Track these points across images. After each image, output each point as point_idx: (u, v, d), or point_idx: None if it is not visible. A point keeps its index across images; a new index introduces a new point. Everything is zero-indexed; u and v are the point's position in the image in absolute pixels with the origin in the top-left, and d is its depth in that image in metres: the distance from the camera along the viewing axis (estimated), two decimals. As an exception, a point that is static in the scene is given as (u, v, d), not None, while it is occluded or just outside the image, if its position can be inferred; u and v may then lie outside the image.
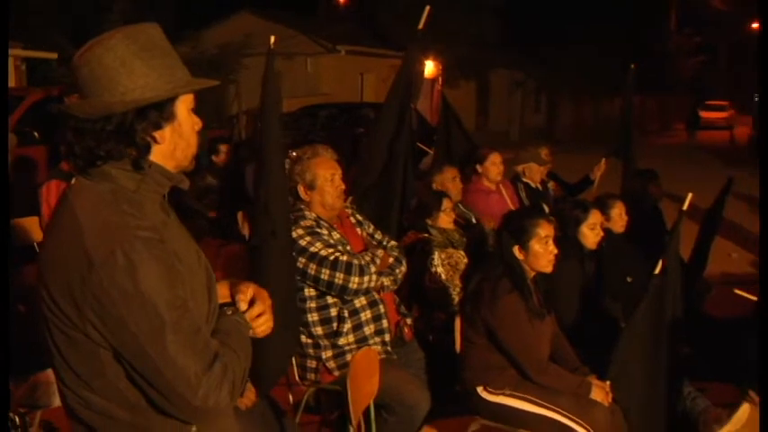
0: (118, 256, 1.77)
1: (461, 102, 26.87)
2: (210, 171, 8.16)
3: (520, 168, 7.15)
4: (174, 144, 1.97)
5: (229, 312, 2.08)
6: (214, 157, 8.38)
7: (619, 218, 5.31)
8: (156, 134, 1.92)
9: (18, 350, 2.97)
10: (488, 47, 27.49)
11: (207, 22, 26.10)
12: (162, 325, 1.79)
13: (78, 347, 1.87)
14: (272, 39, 3.86)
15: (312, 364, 3.97)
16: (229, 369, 1.89)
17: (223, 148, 8.45)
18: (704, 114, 44.14)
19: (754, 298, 5.36)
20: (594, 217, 4.73)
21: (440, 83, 24.02)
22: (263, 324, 2.11)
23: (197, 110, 2.03)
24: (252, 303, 2.11)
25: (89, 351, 1.86)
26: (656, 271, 3.86)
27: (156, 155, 1.94)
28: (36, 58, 17.22)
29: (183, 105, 1.97)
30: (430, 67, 23.78)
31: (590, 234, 4.71)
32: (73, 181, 1.96)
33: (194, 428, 1.98)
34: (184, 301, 1.86)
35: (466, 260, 5.29)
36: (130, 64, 1.86)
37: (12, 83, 16.81)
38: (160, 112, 1.90)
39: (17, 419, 4.03)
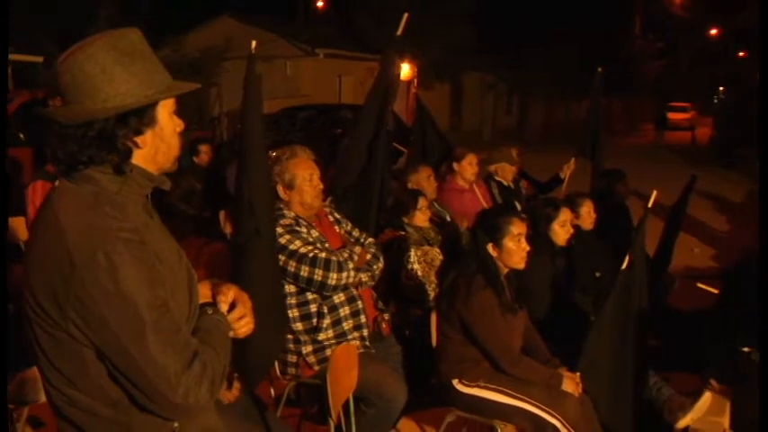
0: (99, 257, 1.76)
1: (436, 103, 26.90)
2: (192, 172, 8.09)
3: (492, 168, 7.19)
4: (156, 148, 1.95)
5: (210, 312, 2.06)
6: (195, 159, 8.32)
7: (588, 215, 5.34)
8: (138, 139, 1.90)
9: (6, 347, 2.95)
10: (462, 51, 27.55)
11: (189, 26, 26.02)
12: (142, 324, 1.78)
13: (62, 347, 1.85)
14: (254, 43, 3.85)
15: (293, 358, 3.95)
16: (209, 367, 1.88)
17: (204, 148, 8.39)
18: (675, 116, 44.59)
19: (716, 291, 5.42)
20: (565, 214, 4.76)
21: (415, 85, 24.00)
22: (244, 326, 2.11)
23: (179, 112, 2.01)
24: (233, 306, 2.11)
25: (72, 350, 1.84)
26: (623, 266, 3.88)
27: (138, 158, 1.93)
28: (22, 62, 17.06)
29: (164, 110, 1.95)
30: (406, 70, 23.75)
31: (560, 231, 4.74)
32: (56, 183, 1.94)
33: (176, 425, 1.96)
34: (165, 300, 1.84)
35: (441, 257, 5.29)
36: (111, 71, 1.84)
37: (0, 86, 16.68)
38: (140, 117, 1.89)
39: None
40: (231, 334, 2.07)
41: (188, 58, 23.63)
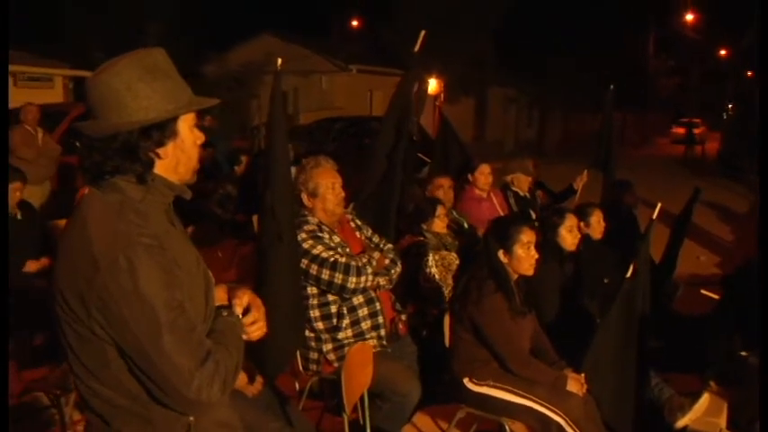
0: (121, 261, 1.77)
1: (461, 116, 26.84)
2: (230, 179, 8.15)
3: (509, 178, 7.15)
4: (177, 159, 1.96)
5: (225, 314, 2.05)
6: (236, 167, 8.38)
7: (597, 224, 5.27)
8: (160, 151, 1.92)
9: (54, 339, 2.98)
10: (485, 67, 27.51)
11: (232, 43, 26.25)
12: (159, 324, 1.78)
13: (86, 343, 1.86)
14: (279, 61, 3.82)
15: (314, 355, 3.94)
16: (221, 366, 1.88)
17: (244, 159, 8.46)
18: (678, 130, 44.36)
19: (717, 297, 5.35)
20: (570, 220, 4.72)
21: (441, 99, 23.97)
22: (256, 330, 2.10)
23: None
24: (247, 310, 2.09)
25: (96, 347, 1.85)
26: (628, 274, 3.83)
27: (160, 168, 1.94)
28: (79, 76, 17.29)
29: (185, 123, 1.96)
30: (433, 85, 23.76)
31: (567, 236, 4.69)
32: (86, 191, 1.96)
33: (191, 419, 1.96)
34: (181, 302, 1.84)
35: (458, 261, 5.26)
36: (135, 87, 1.86)
37: (61, 99, 16.97)
38: (162, 131, 1.90)
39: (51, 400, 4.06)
40: (244, 337, 2.06)
41: (231, 73, 23.84)
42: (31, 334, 5.05)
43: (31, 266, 5.62)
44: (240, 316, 2.07)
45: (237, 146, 11.70)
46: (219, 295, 2.11)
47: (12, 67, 16.94)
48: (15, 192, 6.15)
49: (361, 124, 18.00)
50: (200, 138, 2.01)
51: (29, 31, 20.04)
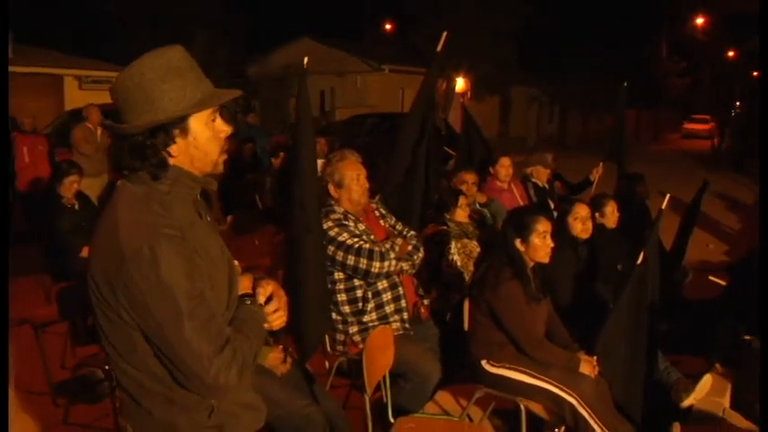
0: (145, 250, 1.72)
1: (486, 113, 26.66)
2: (268, 172, 8.14)
3: (528, 170, 7.07)
4: (191, 156, 1.88)
5: (248, 302, 1.99)
6: (274, 160, 8.37)
7: (611, 214, 5.17)
8: (171, 149, 1.85)
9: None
10: (509, 68, 27.27)
11: (273, 46, 26.33)
12: (180, 312, 1.74)
13: (115, 327, 1.82)
14: (306, 60, 3.71)
15: (341, 337, 3.89)
16: (239, 353, 1.82)
17: (281, 153, 8.43)
18: (690, 126, 43.79)
19: (724, 283, 5.24)
20: (579, 209, 4.62)
21: (468, 97, 23.77)
22: (277, 319, 2.03)
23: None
24: (270, 299, 2.03)
25: (123, 331, 1.82)
26: (638, 262, 3.72)
27: (183, 163, 1.88)
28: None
29: (198, 120, 1.86)
30: (460, 84, 23.60)
31: (576, 224, 4.59)
32: (118, 183, 1.91)
33: (213, 402, 1.92)
34: (201, 291, 1.79)
35: (479, 249, 5.16)
36: (147, 89, 1.80)
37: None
38: (167, 131, 1.82)
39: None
40: (266, 325, 2.00)
41: (273, 73, 23.91)
42: (85, 314, 5.07)
43: (86, 252, 5.64)
44: (263, 305, 2.01)
45: (277, 141, 11.69)
46: (245, 284, 2.05)
47: (77, 71, 17.24)
48: (73, 184, 6.20)
49: (392, 120, 17.92)
50: (223, 131, 1.92)
51: (92, 39, 20.44)
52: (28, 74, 15.69)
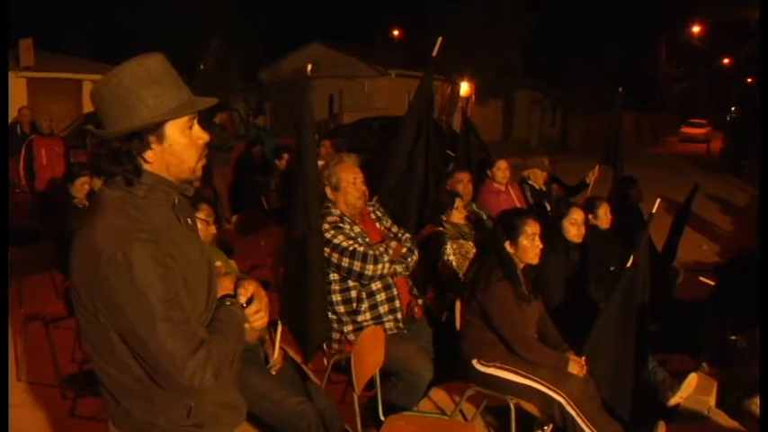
0: (119, 255, 1.68)
1: (491, 117, 26.60)
2: (274, 174, 8.11)
3: (526, 173, 6.97)
4: (166, 162, 1.83)
5: (228, 303, 1.95)
6: (277, 162, 8.34)
7: (604, 216, 5.09)
8: (146, 155, 1.80)
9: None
10: (513, 73, 27.18)
11: (285, 51, 26.32)
12: (153, 314, 1.70)
13: (94, 328, 1.80)
14: (309, 66, 3.68)
15: (336, 336, 3.84)
16: (214, 354, 1.78)
17: (285, 155, 8.40)
18: (687, 130, 43.58)
19: (713, 283, 5.19)
20: (574, 214, 4.54)
21: (472, 101, 23.70)
22: (259, 319, 1.99)
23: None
24: (251, 300, 1.99)
25: (102, 332, 1.79)
26: (628, 264, 3.67)
27: (158, 169, 1.83)
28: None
29: (174, 127, 1.81)
30: (465, 88, 23.53)
31: (570, 228, 4.52)
32: (98, 188, 1.90)
33: (192, 401, 1.88)
34: (176, 294, 1.75)
35: (474, 250, 5.10)
36: (123, 95, 1.76)
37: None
38: (142, 138, 1.78)
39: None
40: (246, 326, 1.96)
41: (283, 77, 23.93)
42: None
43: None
44: (244, 306, 1.97)
45: (284, 143, 11.68)
46: (226, 285, 2.00)
47: (95, 76, 17.28)
48: (84, 185, 6.17)
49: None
50: (200, 138, 1.87)
51: (106, 44, 20.50)
52: (52, 79, 15.77)
